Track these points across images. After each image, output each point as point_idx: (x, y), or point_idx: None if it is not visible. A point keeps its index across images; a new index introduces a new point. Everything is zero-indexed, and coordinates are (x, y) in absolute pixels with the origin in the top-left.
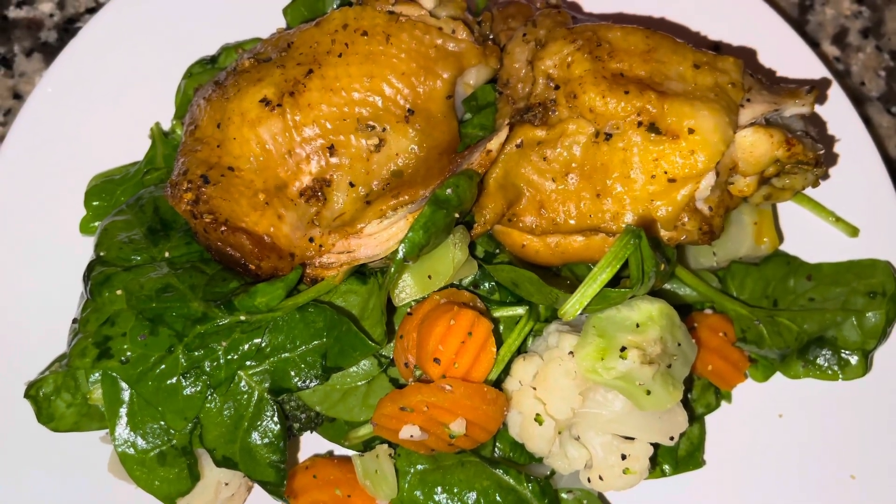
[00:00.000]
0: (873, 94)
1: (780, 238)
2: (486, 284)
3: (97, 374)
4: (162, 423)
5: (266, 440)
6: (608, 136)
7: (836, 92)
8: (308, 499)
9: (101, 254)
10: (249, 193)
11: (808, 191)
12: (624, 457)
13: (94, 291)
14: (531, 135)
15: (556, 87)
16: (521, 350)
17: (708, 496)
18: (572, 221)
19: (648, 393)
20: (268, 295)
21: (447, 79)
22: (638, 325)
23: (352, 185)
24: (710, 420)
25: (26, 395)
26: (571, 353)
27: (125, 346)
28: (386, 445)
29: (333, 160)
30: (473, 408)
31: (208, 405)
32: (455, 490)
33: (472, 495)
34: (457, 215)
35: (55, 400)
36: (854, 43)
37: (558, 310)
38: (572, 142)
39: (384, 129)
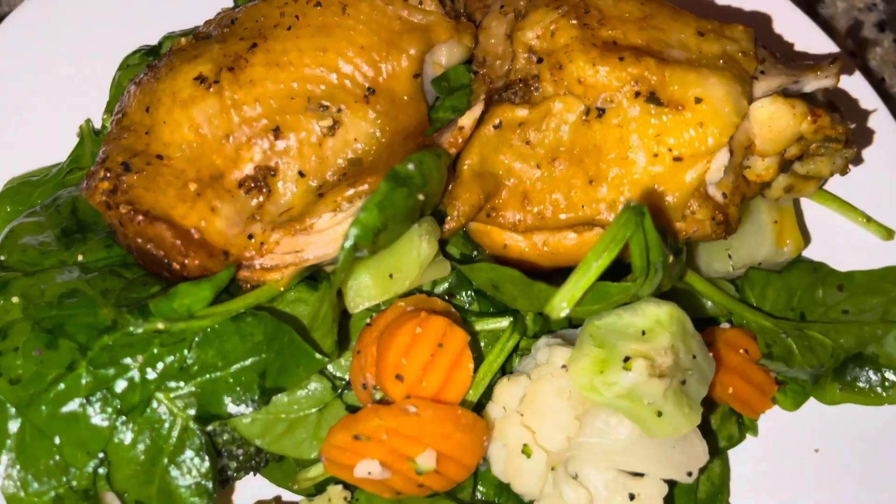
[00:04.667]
0: (895, 90)
1: (806, 240)
2: (465, 293)
3: None
4: (58, 458)
5: (190, 480)
6: (601, 112)
7: (857, 81)
8: None
9: (1, 258)
10: (179, 184)
11: (836, 189)
12: (632, 497)
13: None
14: (511, 115)
15: (539, 60)
16: (507, 371)
17: None
18: (562, 215)
19: (659, 415)
20: (190, 297)
21: (413, 55)
22: (644, 333)
23: (301, 174)
24: (734, 456)
25: None
26: (565, 366)
27: (17, 363)
28: (340, 487)
29: (279, 145)
30: (445, 436)
31: (118, 437)
32: None
33: None
34: (421, 197)
35: None
36: (870, 37)
37: (546, 306)
38: (559, 122)
39: (339, 110)
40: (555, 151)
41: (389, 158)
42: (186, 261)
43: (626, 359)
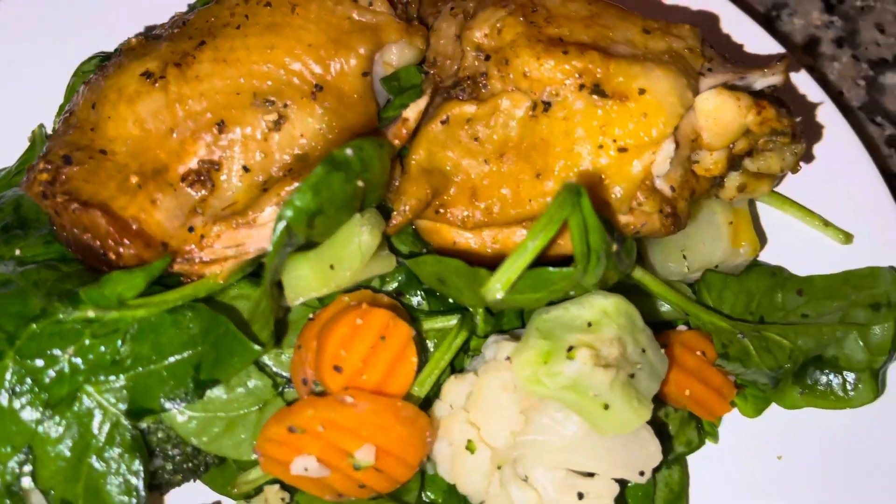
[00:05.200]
0: (854, 103)
1: (762, 241)
2: (414, 292)
3: None
4: None
5: (120, 478)
6: (547, 106)
7: (812, 89)
8: None
9: None
10: (120, 177)
11: (793, 194)
12: (581, 496)
13: None
14: (459, 111)
15: (487, 58)
16: (456, 371)
17: None
18: (511, 211)
19: (606, 408)
20: (122, 284)
21: (363, 54)
22: (590, 324)
23: (246, 169)
24: (694, 464)
25: None
26: (509, 358)
27: None
28: (277, 487)
29: (224, 139)
30: (384, 429)
31: (44, 431)
32: None
33: None
34: (360, 184)
35: None
36: (828, 52)
37: (481, 289)
38: (507, 118)
39: (285, 105)
40: (503, 147)
41: None
42: (122, 249)
43: (570, 349)
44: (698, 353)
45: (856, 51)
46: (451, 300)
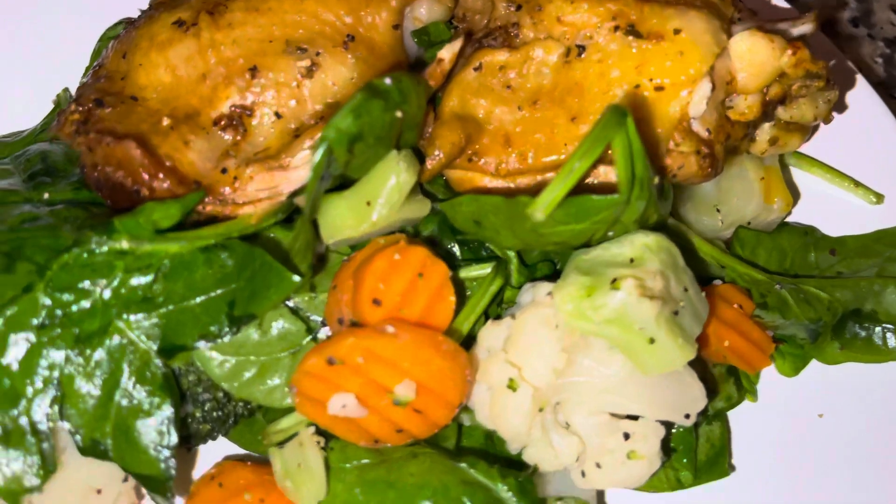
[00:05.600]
0: (871, 80)
1: (794, 197)
2: (448, 243)
3: None
4: (6, 382)
5: (150, 419)
6: (581, 50)
7: (836, 55)
8: None
9: None
10: (152, 121)
11: (821, 156)
12: (627, 436)
13: None
14: (492, 58)
15: (518, 8)
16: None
17: None
18: (545, 157)
19: (651, 342)
20: (158, 212)
21: (394, 7)
22: (632, 260)
23: (278, 115)
24: (735, 423)
25: None
26: (550, 294)
27: None
28: (313, 429)
29: (256, 85)
30: (425, 362)
31: (74, 367)
32: (406, 487)
33: (429, 494)
34: (399, 115)
35: None
36: (844, 32)
37: (526, 210)
38: (539, 65)
39: (318, 54)
40: (536, 94)
41: None
42: (155, 184)
43: (614, 280)
44: (735, 305)
45: (871, 30)
46: (483, 252)
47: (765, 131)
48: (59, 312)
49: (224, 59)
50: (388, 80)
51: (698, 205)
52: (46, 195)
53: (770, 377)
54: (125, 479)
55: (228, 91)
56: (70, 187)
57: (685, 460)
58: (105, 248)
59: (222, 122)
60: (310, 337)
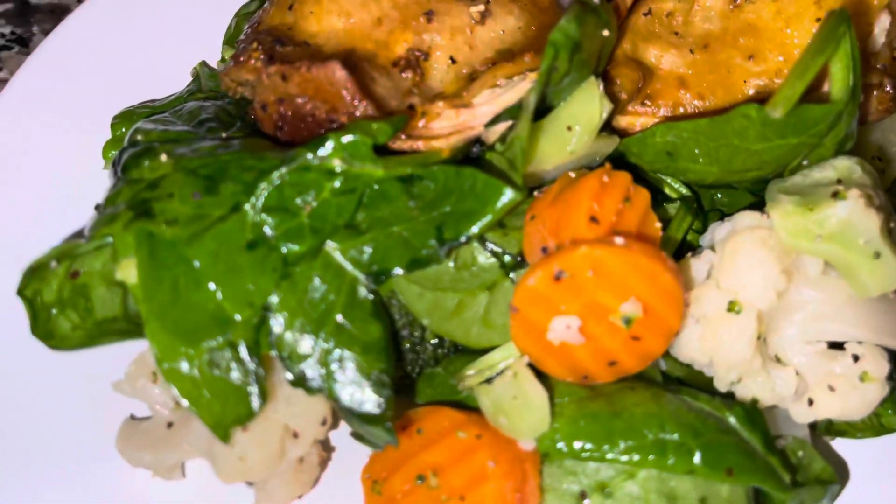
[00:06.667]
0: None
1: None
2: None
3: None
4: (214, 307)
5: (362, 346)
6: None
7: None
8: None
9: (138, 137)
10: None
11: None
12: (857, 358)
13: (129, 165)
14: (659, 4)
15: None
16: None
17: None
18: (725, 96)
19: (877, 256)
20: (374, 126)
21: None
22: (840, 181)
23: (453, 60)
24: None
25: (19, 292)
26: (765, 213)
27: (173, 206)
28: (527, 358)
29: (432, 29)
30: (653, 277)
31: (281, 290)
32: (634, 416)
33: (658, 423)
34: (605, 33)
35: (57, 315)
36: None
37: (767, 105)
38: (706, 12)
39: (489, 1)
40: (706, 38)
41: (539, 49)
42: (357, 110)
43: (835, 193)
44: None
45: None
46: (667, 189)
47: None
48: (267, 232)
49: (399, 4)
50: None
51: (858, 152)
52: (223, 134)
53: None
54: (323, 423)
55: (405, 35)
56: (240, 133)
57: (888, 406)
58: (316, 164)
59: (401, 63)
60: (506, 275)
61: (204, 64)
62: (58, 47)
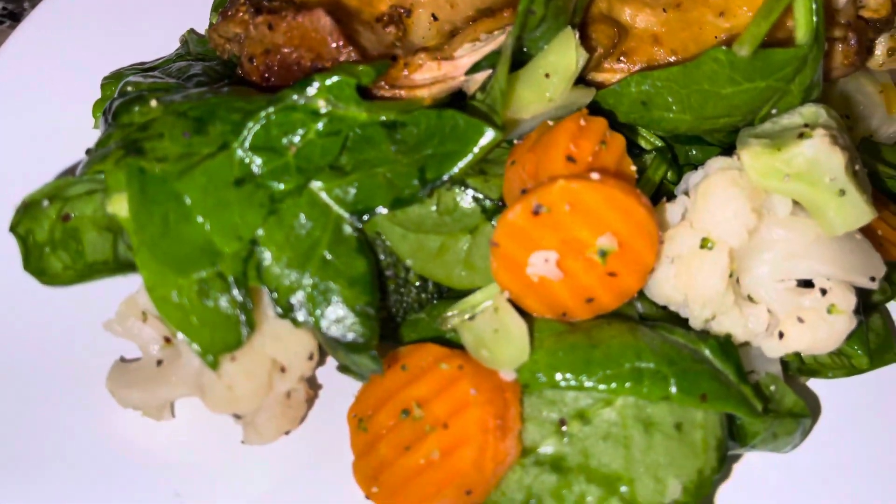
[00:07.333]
0: None
1: None
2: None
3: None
4: (204, 240)
5: (347, 280)
6: None
7: None
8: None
9: (129, 89)
10: None
11: None
12: (824, 292)
13: (120, 111)
14: None
15: None
16: None
17: None
18: (697, 52)
19: (842, 193)
20: (357, 68)
21: None
22: (806, 125)
23: (434, 17)
24: None
25: (11, 229)
26: (736, 155)
27: (164, 145)
28: (507, 294)
29: None
30: (628, 212)
31: (267, 226)
32: (612, 347)
33: (635, 353)
34: None
35: (49, 255)
36: None
37: (733, 45)
38: None
39: None
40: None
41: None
42: (342, 54)
43: (801, 134)
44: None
45: None
46: (642, 142)
47: (882, 42)
48: (254, 169)
49: None
50: None
51: None
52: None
53: None
54: (310, 358)
55: None
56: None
57: (857, 347)
58: (302, 104)
59: (384, 19)
60: (487, 219)
61: (192, 31)
62: (47, 17)
